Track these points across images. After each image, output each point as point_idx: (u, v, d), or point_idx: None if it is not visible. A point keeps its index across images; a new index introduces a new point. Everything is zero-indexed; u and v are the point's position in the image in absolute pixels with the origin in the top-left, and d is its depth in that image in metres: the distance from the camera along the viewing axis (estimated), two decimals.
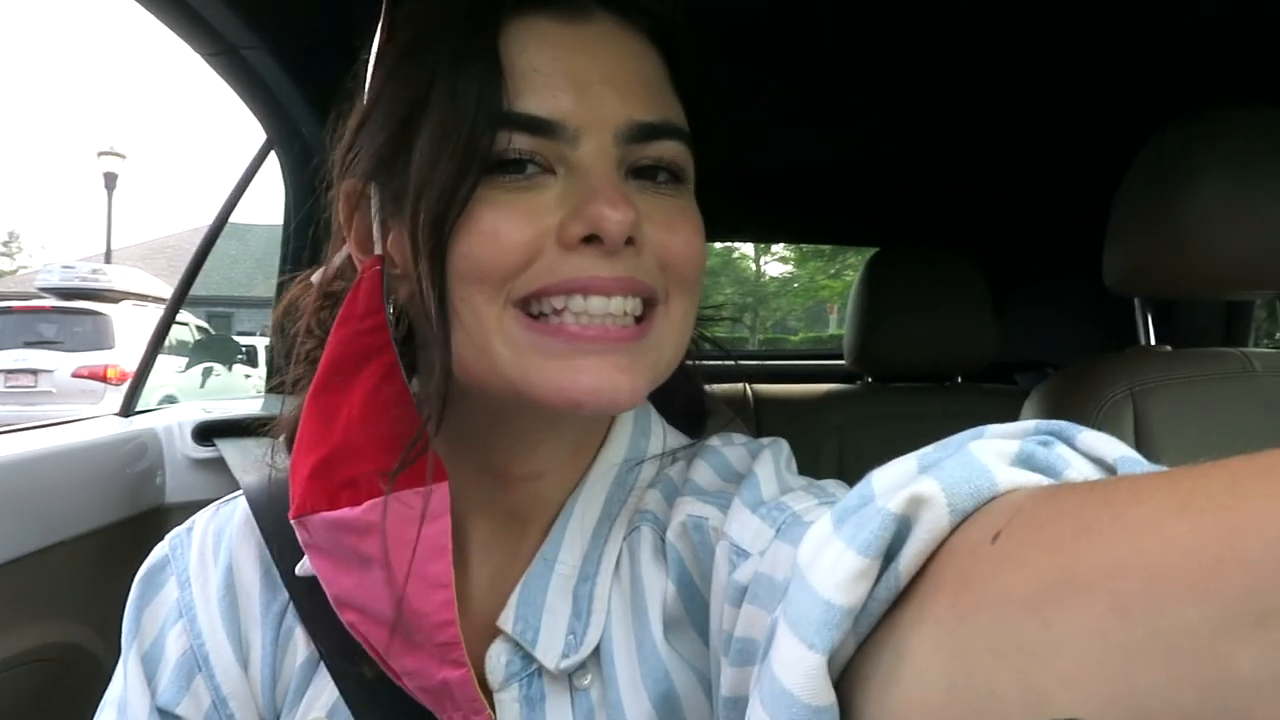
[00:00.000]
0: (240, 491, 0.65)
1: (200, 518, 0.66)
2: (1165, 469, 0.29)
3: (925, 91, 1.45)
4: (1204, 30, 1.23)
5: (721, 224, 2.14)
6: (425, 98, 0.51)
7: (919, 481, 0.34)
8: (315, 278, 0.60)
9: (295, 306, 0.61)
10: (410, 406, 0.52)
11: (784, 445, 0.61)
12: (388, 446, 0.51)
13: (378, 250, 0.54)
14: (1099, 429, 0.37)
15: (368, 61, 0.57)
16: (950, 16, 1.19)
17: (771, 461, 0.57)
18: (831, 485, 0.55)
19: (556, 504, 0.60)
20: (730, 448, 0.61)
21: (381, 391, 0.51)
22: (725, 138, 1.52)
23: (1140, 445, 1.06)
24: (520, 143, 0.51)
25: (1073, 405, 1.13)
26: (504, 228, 0.50)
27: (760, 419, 1.79)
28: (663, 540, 0.57)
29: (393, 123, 0.53)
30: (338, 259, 0.59)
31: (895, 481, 0.37)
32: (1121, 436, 1.15)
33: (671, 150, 0.54)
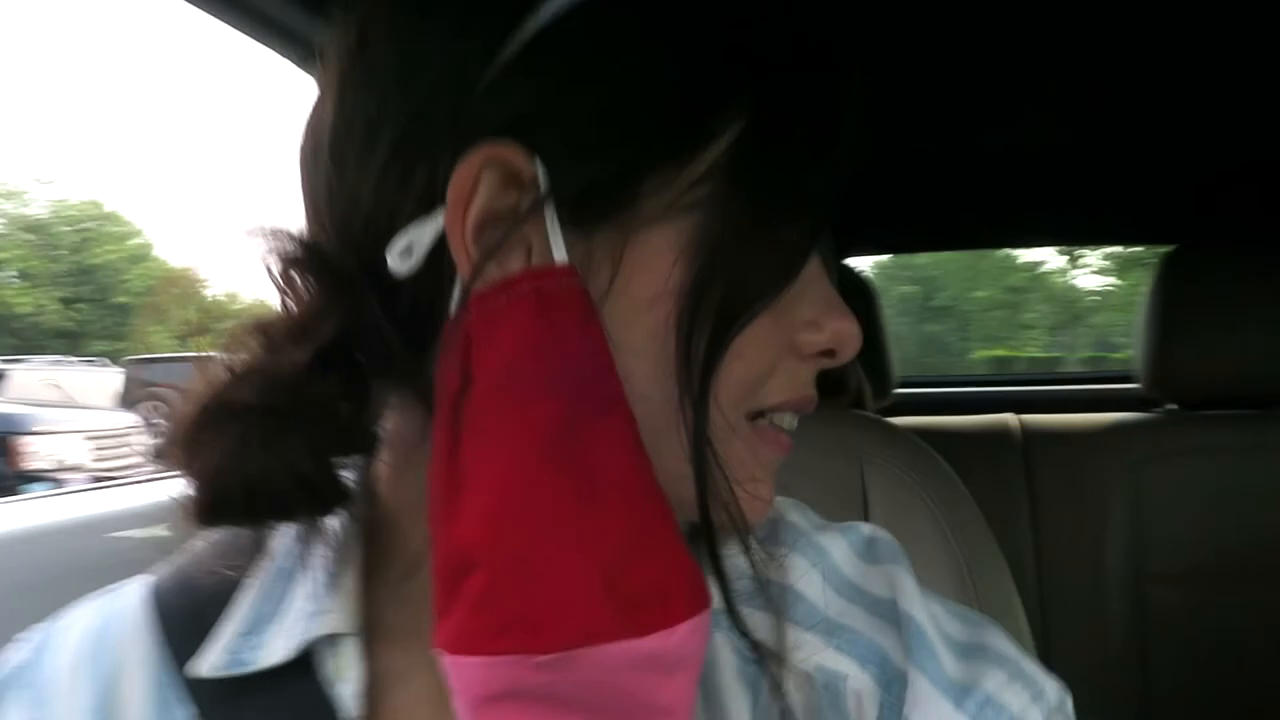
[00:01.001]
0: (139, 576, 0.51)
1: (78, 613, 0.49)
2: None
3: (1215, 56, 1.17)
4: None
5: (987, 227, 1.88)
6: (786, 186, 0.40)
7: None
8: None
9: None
10: (658, 486, 0.38)
11: (892, 541, 0.50)
12: (677, 544, 0.38)
13: (556, 257, 0.38)
14: None
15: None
16: None
17: (910, 580, 0.47)
18: (987, 625, 0.47)
19: None
20: (827, 535, 0.50)
21: (641, 468, 0.38)
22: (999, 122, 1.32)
23: None
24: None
25: None
26: (754, 342, 0.41)
27: (1030, 455, 1.54)
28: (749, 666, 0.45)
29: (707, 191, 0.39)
30: (420, 248, 0.40)
31: None
32: None
33: None
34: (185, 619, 0.46)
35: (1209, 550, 1.42)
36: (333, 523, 0.45)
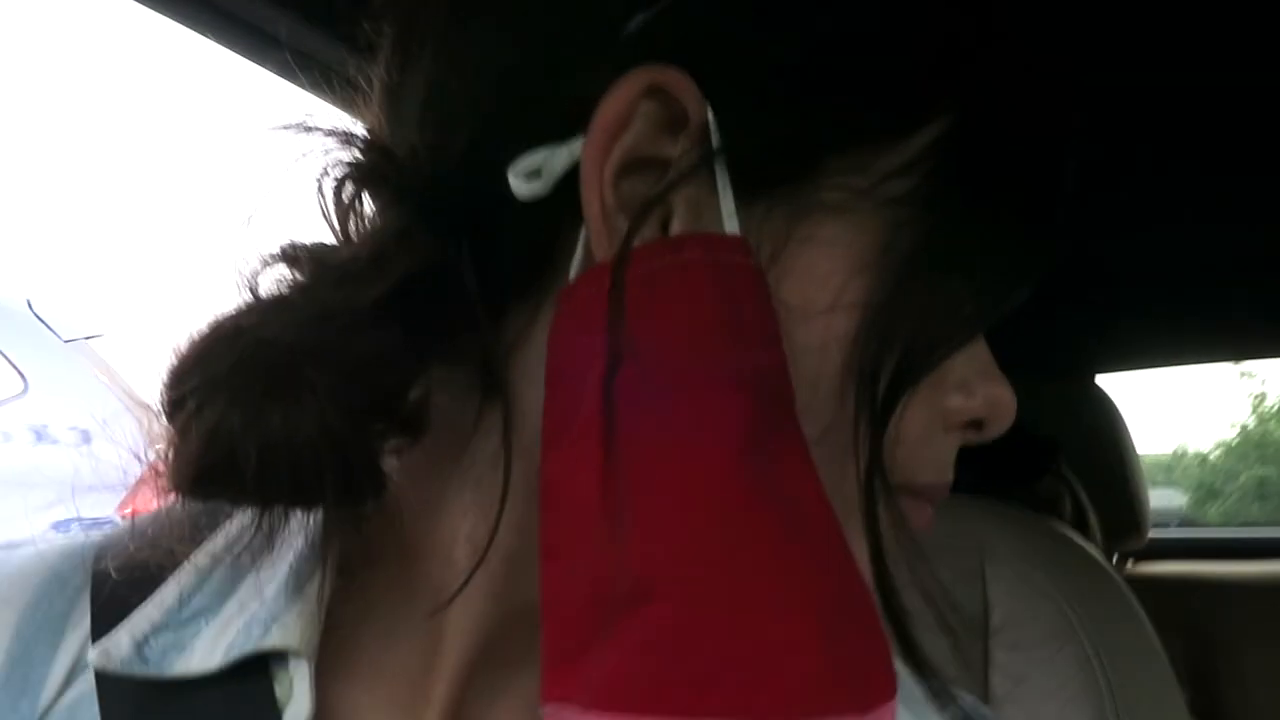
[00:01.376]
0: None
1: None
2: None
3: None
4: None
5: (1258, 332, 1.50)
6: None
7: None
8: None
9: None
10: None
11: None
12: (874, 605, 0.31)
13: (727, 227, 0.30)
14: None
15: None
16: None
17: None
18: None
19: None
20: (912, 703, 0.41)
21: (830, 502, 0.30)
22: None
23: None
24: None
25: None
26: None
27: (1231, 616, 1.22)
28: None
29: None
30: (551, 174, 0.32)
31: None
32: None
33: None
34: (116, 598, 0.36)
35: None
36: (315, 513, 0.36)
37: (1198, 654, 1.24)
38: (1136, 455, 1.40)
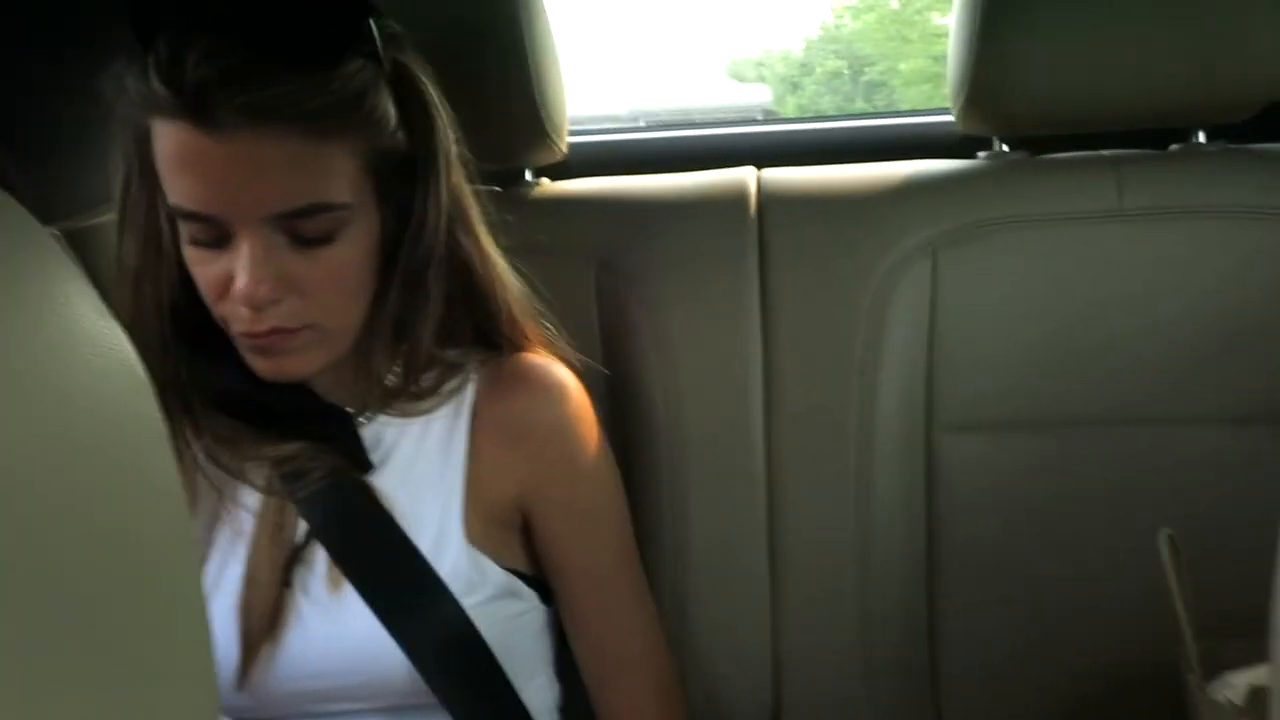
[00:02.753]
0: None
1: None
2: None
3: None
4: None
5: None
6: None
7: None
8: None
9: None
10: None
11: None
12: None
13: None
14: None
15: None
16: None
17: None
18: None
19: None
20: None
21: None
22: None
23: None
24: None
25: None
26: None
27: (766, 225, 0.97)
28: None
29: None
30: None
31: None
32: None
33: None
34: None
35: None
36: None
37: (609, 285, 0.99)
38: (552, 45, 1.00)
